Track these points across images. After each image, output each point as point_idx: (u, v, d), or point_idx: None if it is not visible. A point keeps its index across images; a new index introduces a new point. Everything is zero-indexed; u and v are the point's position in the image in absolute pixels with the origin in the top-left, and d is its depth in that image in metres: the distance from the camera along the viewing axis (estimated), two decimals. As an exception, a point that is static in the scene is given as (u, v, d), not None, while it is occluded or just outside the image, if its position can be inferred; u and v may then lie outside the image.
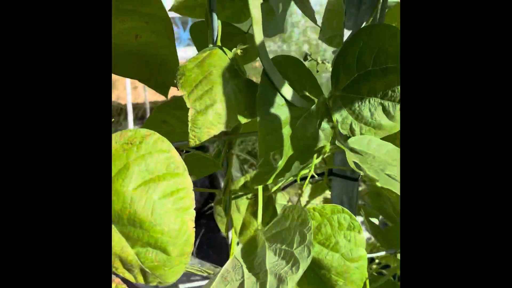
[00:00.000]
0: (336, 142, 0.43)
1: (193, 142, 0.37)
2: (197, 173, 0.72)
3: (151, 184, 0.33)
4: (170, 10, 0.70)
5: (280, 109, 0.41)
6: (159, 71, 0.62)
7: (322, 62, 0.64)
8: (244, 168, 0.62)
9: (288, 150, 0.43)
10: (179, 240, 0.34)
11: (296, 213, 0.37)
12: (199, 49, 0.75)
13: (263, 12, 0.76)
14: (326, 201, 0.92)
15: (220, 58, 0.41)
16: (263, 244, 0.39)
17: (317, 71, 0.65)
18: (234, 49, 0.47)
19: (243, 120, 0.40)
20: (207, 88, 0.38)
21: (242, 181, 0.71)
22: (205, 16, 0.46)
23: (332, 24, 0.81)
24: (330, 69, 0.65)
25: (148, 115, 3.55)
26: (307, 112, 0.44)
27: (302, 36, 2.55)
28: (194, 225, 0.35)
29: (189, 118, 0.37)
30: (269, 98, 0.40)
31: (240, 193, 0.68)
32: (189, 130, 0.37)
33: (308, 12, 0.46)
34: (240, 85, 0.42)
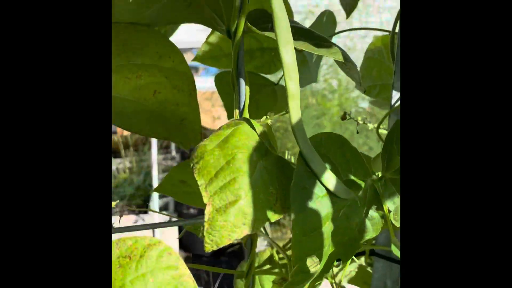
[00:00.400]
0: (392, 239, 0.34)
1: (209, 247, 0.29)
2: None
3: (152, 314, 0.25)
4: (194, 60, 0.64)
5: (321, 202, 0.33)
6: (179, 129, 0.55)
7: (364, 123, 0.56)
8: (269, 237, 0.53)
9: (328, 249, 0.34)
10: None
11: None
12: (225, 101, 0.69)
13: (298, 62, 0.69)
14: (361, 269, 0.81)
15: (247, 136, 0.33)
16: None
17: (357, 132, 0.56)
18: (264, 118, 0.40)
19: (273, 217, 0.32)
20: (229, 179, 0.30)
21: (267, 253, 0.62)
22: (231, 78, 0.39)
23: (371, 74, 0.73)
24: (369, 125, 0.57)
25: (173, 145, 3.52)
26: (352, 199, 0.36)
27: (332, 71, 2.47)
28: None
29: (206, 218, 0.29)
30: (306, 189, 0.32)
31: (264, 269, 0.59)
32: (205, 232, 0.29)
33: (355, 76, 0.38)
34: (270, 166, 0.34)
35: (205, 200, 0.30)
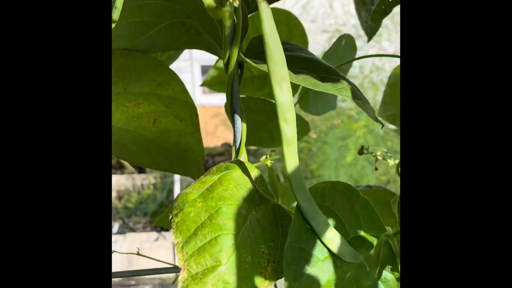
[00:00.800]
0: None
1: (183, 321, 0.24)
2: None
3: None
4: (202, 85, 0.61)
5: (321, 267, 0.27)
6: (181, 160, 0.51)
7: (383, 158, 0.50)
8: None
9: (331, 320, 0.28)
10: None
11: None
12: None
13: (315, 90, 0.64)
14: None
15: (237, 184, 0.29)
16: None
17: (376, 169, 0.51)
18: (263, 157, 0.35)
19: (262, 284, 0.27)
20: (210, 238, 0.26)
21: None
22: (225, 110, 0.34)
23: (395, 101, 0.68)
24: (390, 161, 0.51)
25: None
26: (361, 260, 0.30)
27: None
28: None
29: (179, 286, 0.25)
30: (304, 251, 0.27)
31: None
32: (177, 303, 0.24)
33: (369, 113, 0.33)
34: (263, 219, 0.29)
35: (180, 263, 0.25)
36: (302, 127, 0.66)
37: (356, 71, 2.53)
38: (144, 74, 0.44)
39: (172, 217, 0.28)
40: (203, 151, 0.51)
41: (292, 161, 0.27)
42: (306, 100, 0.62)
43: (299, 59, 0.33)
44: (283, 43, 0.26)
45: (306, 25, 0.60)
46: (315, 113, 0.65)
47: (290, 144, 0.26)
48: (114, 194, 2.96)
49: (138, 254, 0.41)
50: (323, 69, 0.32)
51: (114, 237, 2.44)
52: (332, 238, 0.28)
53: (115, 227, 2.76)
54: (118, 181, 3.08)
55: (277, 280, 0.27)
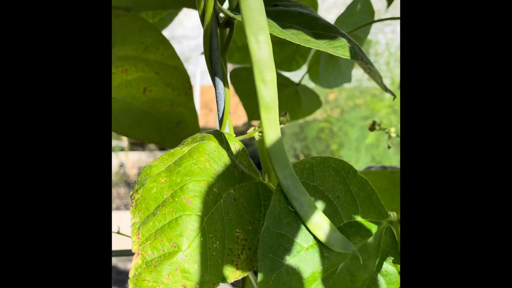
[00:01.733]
0: None
1: (135, 313, 0.21)
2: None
3: None
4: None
5: (304, 257, 0.23)
6: (174, 133, 0.47)
7: (397, 135, 0.45)
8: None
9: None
10: None
11: None
12: (243, 100, 0.60)
13: (326, 59, 0.58)
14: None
15: (211, 158, 0.25)
16: None
17: (389, 147, 0.45)
18: (252, 129, 0.31)
19: (233, 274, 0.23)
20: (170, 219, 0.22)
21: None
22: (208, 68, 0.30)
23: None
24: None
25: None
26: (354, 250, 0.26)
27: (386, 69, 2.28)
28: None
29: (130, 274, 0.21)
30: (284, 236, 0.23)
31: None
32: (129, 293, 0.21)
33: (377, 79, 0.28)
34: (242, 198, 0.25)
35: (134, 246, 0.21)
36: (312, 101, 0.61)
37: (382, 48, 2.42)
38: (129, 36, 0.40)
39: (132, 193, 0.24)
40: (197, 123, 0.47)
41: (271, 131, 0.22)
42: (316, 70, 0.56)
43: (293, 14, 0.28)
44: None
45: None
46: (326, 85, 0.59)
47: (269, 109, 0.22)
48: (135, 171, 2.99)
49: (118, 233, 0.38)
50: (320, 26, 0.27)
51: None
52: (319, 223, 0.23)
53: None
54: (140, 158, 3.11)
55: (251, 270, 0.23)
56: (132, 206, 0.23)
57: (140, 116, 0.46)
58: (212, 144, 0.25)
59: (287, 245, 0.23)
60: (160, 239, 0.21)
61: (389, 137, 0.45)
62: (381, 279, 0.28)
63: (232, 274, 0.22)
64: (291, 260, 0.23)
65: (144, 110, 0.46)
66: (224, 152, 0.26)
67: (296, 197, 0.23)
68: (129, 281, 0.21)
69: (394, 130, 0.45)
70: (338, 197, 0.25)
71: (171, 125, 0.47)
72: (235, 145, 0.27)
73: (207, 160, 0.24)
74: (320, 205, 0.24)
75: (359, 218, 0.26)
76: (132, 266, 0.21)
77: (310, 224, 0.23)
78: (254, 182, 0.27)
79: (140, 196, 0.23)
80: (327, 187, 0.25)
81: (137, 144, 3.27)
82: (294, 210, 0.23)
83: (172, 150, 0.25)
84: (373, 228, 0.27)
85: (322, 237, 0.23)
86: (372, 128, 0.46)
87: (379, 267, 0.28)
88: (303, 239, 0.23)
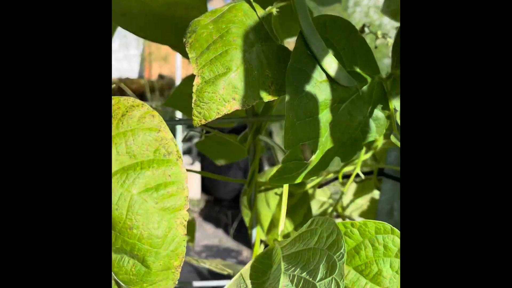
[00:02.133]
0: (392, 137, 0.32)
1: (197, 121, 0.28)
2: (222, 156, 0.63)
3: (131, 173, 0.25)
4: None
5: (319, 87, 0.31)
6: (188, 36, 0.53)
7: (383, 37, 0.52)
8: (277, 158, 0.53)
9: (325, 142, 0.32)
10: (164, 251, 0.25)
11: (326, 230, 0.27)
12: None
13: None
14: (373, 202, 0.80)
15: (246, 14, 0.31)
16: (279, 263, 0.29)
17: (376, 47, 0.53)
18: (269, 7, 0.37)
19: (266, 97, 0.30)
20: (221, 51, 0.29)
21: (274, 171, 0.62)
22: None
23: (399, -5, 0.68)
24: (390, 40, 0.53)
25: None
26: (356, 94, 0.34)
27: (364, 17, 2.35)
28: (185, 231, 0.26)
29: (194, 89, 0.28)
30: (304, 71, 0.30)
31: (269, 186, 0.58)
32: (193, 104, 0.28)
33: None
34: (268, 52, 0.32)
35: (195, 71, 0.28)
36: None
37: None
38: None
39: (185, 39, 0.30)
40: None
41: (297, -14, 0.29)
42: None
43: None
44: None
45: None
46: (321, 3, 0.65)
47: (296, -33, 0.28)
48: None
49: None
50: None
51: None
52: (330, 63, 0.31)
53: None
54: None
55: (279, 96, 0.31)
56: (187, 47, 0.30)
57: (157, 19, 0.52)
58: (246, 5, 0.32)
59: (306, 78, 0.30)
60: (215, 64, 0.28)
61: (376, 38, 0.52)
62: (372, 122, 0.36)
63: (266, 97, 0.30)
64: (310, 88, 0.30)
65: (161, 13, 0.51)
66: (254, 14, 0.33)
67: (313, 42, 0.30)
68: (193, 94, 0.28)
69: (381, 33, 0.52)
70: (344, 48, 0.33)
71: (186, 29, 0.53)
72: (260, 11, 0.34)
73: (243, 15, 0.31)
74: (330, 51, 0.32)
75: (358, 69, 0.34)
76: (194, 84, 0.28)
77: (323, 63, 0.31)
78: (275, 44, 0.34)
79: (194, 39, 0.30)
80: (336, 39, 0.32)
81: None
82: (312, 53, 0.31)
83: (213, 10, 0.32)
84: (368, 79, 0.35)
85: (332, 73, 0.31)
86: (361, 30, 0.53)
87: (371, 113, 0.36)
88: (318, 75, 0.31)
